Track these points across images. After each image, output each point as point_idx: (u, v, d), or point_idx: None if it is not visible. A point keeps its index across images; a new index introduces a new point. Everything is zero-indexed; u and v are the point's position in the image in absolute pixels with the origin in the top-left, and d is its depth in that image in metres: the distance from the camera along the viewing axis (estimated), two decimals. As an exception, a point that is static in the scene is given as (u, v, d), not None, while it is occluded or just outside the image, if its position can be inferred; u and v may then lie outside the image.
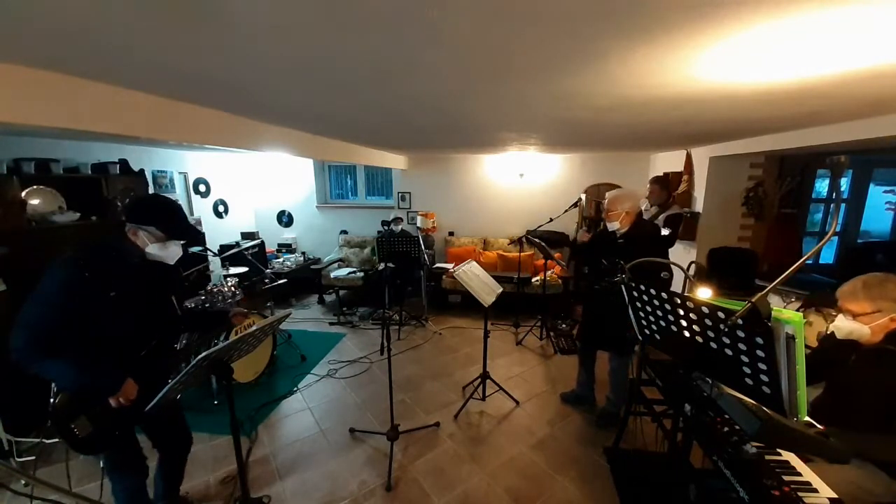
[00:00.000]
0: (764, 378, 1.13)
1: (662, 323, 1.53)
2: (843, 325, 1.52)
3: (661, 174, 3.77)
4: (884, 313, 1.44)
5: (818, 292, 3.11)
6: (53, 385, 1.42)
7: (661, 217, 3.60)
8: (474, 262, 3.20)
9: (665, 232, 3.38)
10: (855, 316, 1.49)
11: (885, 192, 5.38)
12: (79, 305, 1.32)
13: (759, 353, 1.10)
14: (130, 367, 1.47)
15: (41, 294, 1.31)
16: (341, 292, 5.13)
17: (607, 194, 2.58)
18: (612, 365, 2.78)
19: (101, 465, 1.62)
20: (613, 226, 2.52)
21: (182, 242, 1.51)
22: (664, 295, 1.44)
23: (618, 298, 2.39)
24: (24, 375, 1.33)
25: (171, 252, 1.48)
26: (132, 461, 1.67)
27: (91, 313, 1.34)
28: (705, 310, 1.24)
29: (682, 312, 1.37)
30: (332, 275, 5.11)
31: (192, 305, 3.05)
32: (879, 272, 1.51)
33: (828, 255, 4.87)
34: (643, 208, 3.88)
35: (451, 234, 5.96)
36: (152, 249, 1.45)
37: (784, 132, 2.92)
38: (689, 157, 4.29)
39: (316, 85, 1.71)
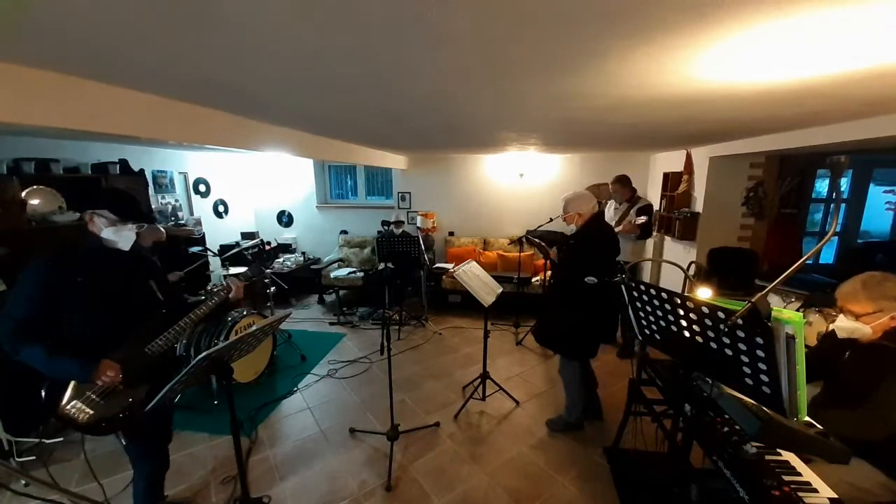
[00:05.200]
0: (764, 378, 1.13)
1: (662, 323, 1.53)
2: (844, 325, 1.53)
3: (623, 174, 3.91)
4: (885, 312, 1.45)
5: (818, 292, 3.10)
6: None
7: (633, 211, 3.69)
8: (474, 262, 3.20)
9: (642, 220, 3.62)
10: (857, 317, 1.49)
11: (885, 192, 5.39)
12: (50, 293, 1.42)
13: (759, 353, 1.10)
14: (115, 349, 1.52)
15: (16, 288, 1.44)
16: (341, 292, 5.13)
17: (564, 196, 2.62)
18: (560, 367, 2.77)
19: (123, 444, 1.69)
20: (571, 228, 2.62)
21: (134, 228, 1.56)
22: (664, 295, 1.44)
23: (574, 302, 2.48)
24: (23, 373, 1.46)
25: (125, 236, 1.54)
26: (154, 448, 1.78)
27: (64, 299, 1.44)
28: (705, 310, 1.24)
29: (682, 312, 1.37)
30: (332, 275, 5.11)
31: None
32: (878, 271, 1.51)
33: (828, 255, 4.88)
34: (613, 206, 3.96)
35: (451, 234, 5.96)
36: (107, 234, 1.52)
37: (784, 132, 2.92)
38: (689, 157, 4.29)
39: (316, 86, 1.71)
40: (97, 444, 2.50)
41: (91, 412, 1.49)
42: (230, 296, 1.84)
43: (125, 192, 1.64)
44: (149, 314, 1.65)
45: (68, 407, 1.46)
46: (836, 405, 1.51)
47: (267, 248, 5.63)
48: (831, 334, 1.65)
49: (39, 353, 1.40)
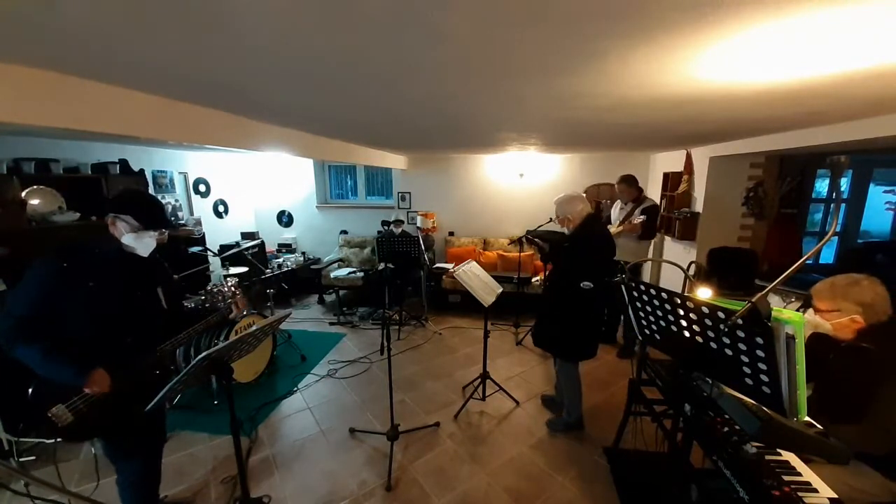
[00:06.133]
0: (764, 378, 1.13)
1: (662, 323, 1.53)
2: (809, 319, 1.59)
3: (629, 174, 3.86)
4: (842, 313, 1.50)
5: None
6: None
7: (637, 211, 3.67)
8: (474, 262, 3.20)
9: (640, 219, 3.58)
10: (817, 311, 1.57)
11: (885, 192, 5.39)
12: (56, 295, 1.40)
13: (759, 353, 1.10)
14: (114, 356, 1.50)
15: (21, 286, 1.41)
16: (341, 292, 5.13)
17: (555, 200, 2.60)
18: (557, 369, 2.77)
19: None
20: (564, 230, 2.60)
21: (155, 235, 1.54)
22: (664, 295, 1.44)
23: (569, 305, 2.47)
24: (23, 374, 1.42)
25: (145, 243, 1.53)
26: (134, 448, 1.71)
27: (70, 302, 1.42)
28: (705, 310, 1.24)
29: (682, 312, 1.37)
30: (332, 275, 5.11)
31: (192, 306, 3.06)
32: (858, 274, 1.55)
33: (828, 255, 4.87)
34: (619, 206, 3.93)
35: (451, 234, 5.96)
36: (127, 240, 1.50)
37: (784, 132, 2.92)
38: (689, 157, 4.29)
39: (316, 86, 1.71)
40: (96, 443, 2.50)
41: (72, 418, 1.46)
42: (230, 316, 1.84)
43: (150, 198, 1.61)
44: (149, 323, 1.64)
45: (53, 410, 1.43)
46: (833, 413, 1.51)
47: (269, 252, 5.65)
48: (814, 336, 1.67)
49: (36, 352, 1.38)
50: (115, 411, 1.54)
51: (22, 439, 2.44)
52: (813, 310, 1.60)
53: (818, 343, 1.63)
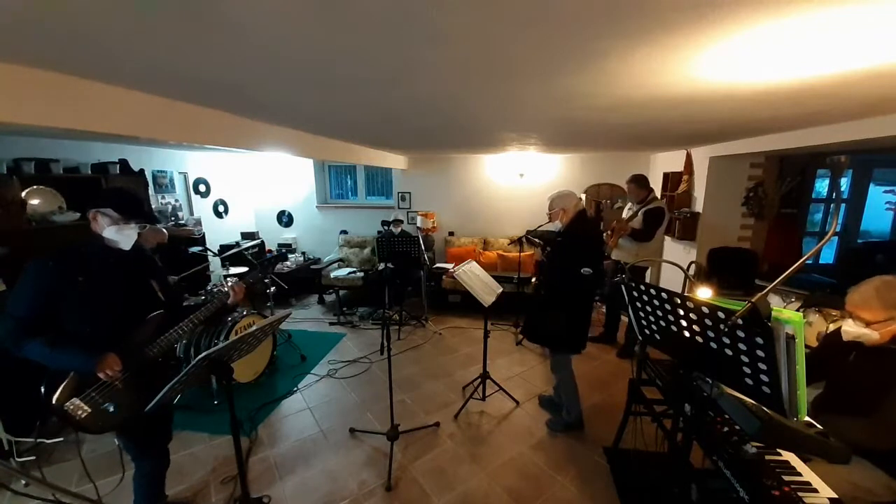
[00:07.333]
0: (764, 378, 1.13)
1: (662, 323, 1.53)
2: (851, 330, 1.51)
3: (640, 174, 3.73)
4: (894, 321, 1.43)
5: (818, 292, 3.11)
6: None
7: (640, 213, 3.61)
8: (474, 262, 3.19)
9: (633, 223, 3.58)
10: (868, 324, 1.48)
11: (885, 192, 5.38)
12: (51, 294, 1.43)
13: (759, 353, 1.10)
14: (117, 350, 1.52)
15: (17, 288, 1.44)
16: (341, 292, 5.13)
17: (549, 196, 2.70)
18: (551, 364, 2.82)
19: (117, 444, 1.72)
20: (556, 225, 2.68)
21: (136, 228, 1.55)
22: (664, 295, 1.44)
23: (567, 296, 2.54)
24: (23, 373, 1.48)
25: (126, 235, 1.54)
26: (153, 446, 1.79)
27: (65, 300, 1.45)
28: (705, 310, 1.24)
29: (682, 312, 1.37)
30: (332, 275, 5.11)
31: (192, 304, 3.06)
32: (888, 276, 1.49)
33: (828, 255, 4.87)
34: (627, 207, 3.90)
35: (451, 234, 5.96)
36: (109, 233, 1.51)
37: (784, 132, 2.92)
38: (689, 157, 4.29)
39: (316, 86, 1.71)
40: (97, 444, 2.50)
41: (89, 410, 1.49)
42: (228, 301, 1.84)
43: (129, 190, 1.63)
44: (149, 315, 1.65)
45: (67, 404, 1.46)
46: (842, 410, 1.51)
47: (268, 252, 5.67)
48: (834, 335, 1.64)
49: (42, 347, 1.41)
50: (131, 403, 1.57)
51: (22, 439, 2.44)
52: (856, 321, 1.51)
53: (834, 343, 1.62)
